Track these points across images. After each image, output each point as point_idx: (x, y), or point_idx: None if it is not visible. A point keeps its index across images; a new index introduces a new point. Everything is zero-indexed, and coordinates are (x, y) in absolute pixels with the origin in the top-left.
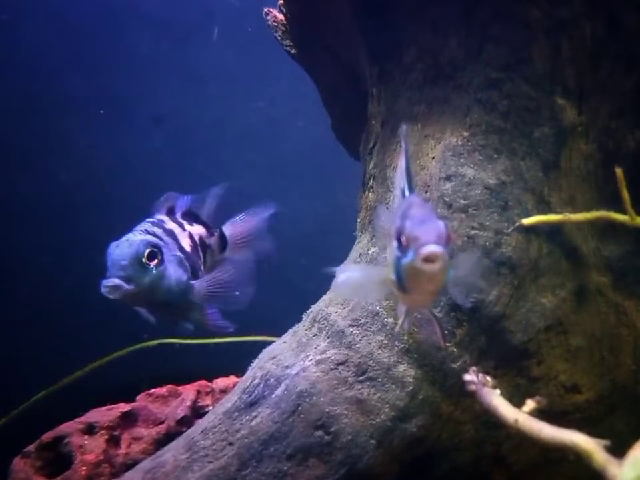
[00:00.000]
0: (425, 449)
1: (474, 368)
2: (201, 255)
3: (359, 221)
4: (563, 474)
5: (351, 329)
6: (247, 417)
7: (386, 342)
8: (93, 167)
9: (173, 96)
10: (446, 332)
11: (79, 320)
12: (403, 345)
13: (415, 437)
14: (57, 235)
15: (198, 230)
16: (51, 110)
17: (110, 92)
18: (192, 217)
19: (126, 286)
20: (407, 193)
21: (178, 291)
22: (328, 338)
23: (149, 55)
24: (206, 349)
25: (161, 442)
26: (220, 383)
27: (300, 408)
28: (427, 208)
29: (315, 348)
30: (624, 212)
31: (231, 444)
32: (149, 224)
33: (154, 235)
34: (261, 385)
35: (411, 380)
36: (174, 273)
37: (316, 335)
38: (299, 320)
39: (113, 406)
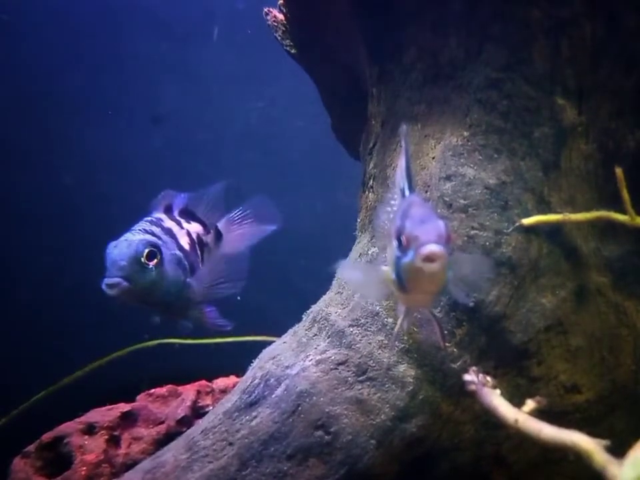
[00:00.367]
0: (424, 449)
1: (474, 368)
2: (199, 253)
3: (359, 220)
4: (562, 474)
5: (351, 329)
6: (247, 417)
7: (386, 342)
8: (92, 166)
9: (173, 96)
10: (446, 332)
11: (79, 320)
12: (403, 345)
13: (415, 437)
14: (57, 234)
15: (195, 228)
16: (51, 110)
17: (110, 92)
18: (189, 214)
19: (126, 286)
20: (407, 192)
21: (177, 290)
22: (328, 338)
23: (149, 55)
24: (206, 349)
25: (161, 442)
26: (220, 382)
27: (300, 408)
28: (427, 207)
29: (315, 348)
30: (624, 212)
31: (231, 444)
32: (147, 223)
33: (152, 234)
34: (261, 385)
35: (411, 380)
36: (173, 272)
37: (316, 334)
38: (299, 320)
39: (112, 406)
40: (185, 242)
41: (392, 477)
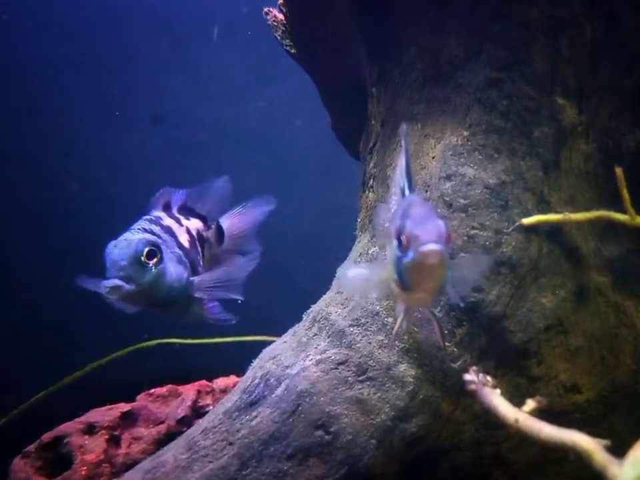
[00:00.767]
0: (425, 449)
1: (474, 368)
2: (199, 249)
3: (359, 220)
4: (563, 474)
5: (351, 329)
6: (247, 417)
7: (386, 342)
8: (92, 166)
9: (173, 96)
10: (446, 332)
11: (79, 320)
12: (403, 345)
13: (415, 436)
14: (57, 234)
15: (195, 224)
16: (51, 110)
17: (110, 92)
18: (188, 211)
19: (126, 286)
20: (407, 192)
21: (178, 289)
22: (328, 338)
23: (149, 55)
24: (206, 349)
25: (161, 442)
26: (220, 382)
27: (300, 408)
28: (427, 207)
29: (315, 348)
30: (624, 212)
31: (231, 444)
32: (146, 221)
33: (152, 232)
34: (261, 385)
35: (411, 380)
36: (174, 270)
37: (316, 334)
38: (299, 320)
39: (112, 406)
40: (184, 239)
41: (392, 476)
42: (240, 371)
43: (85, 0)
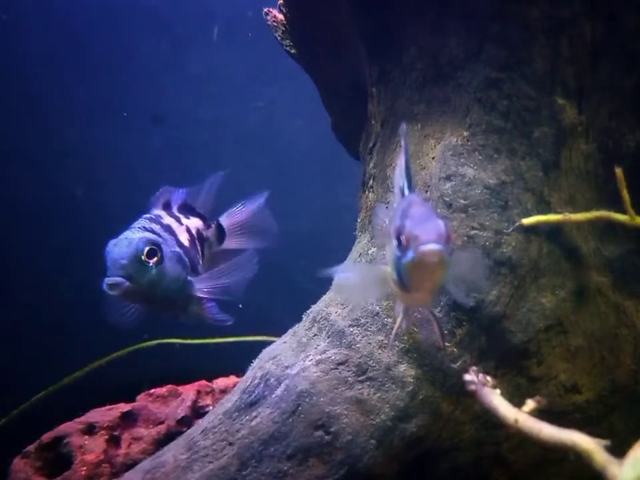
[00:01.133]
0: (425, 449)
1: (474, 368)
2: (199, 248)
3: (358, 220)
4: (562, 474)
5: (351, 329)
6: (247, 417)
7: (386, 342)
8: (92, 166)
9: (173, 96)
10: (446, 332)
11: (79, 320)
12: (403, 345)
13: (415, 436)
14: (57, 234)
15: (195, 223)
16: (51, 110)
17: (110, 92)
18: (188, 209)
19: (127, 284)
20: (406, 192)
21: (178, 288)
22: (328, 338)
23: (149, 55)
24: (206, 349)
25: (161, 442)
26: (220, 382)
27: (300, 408)
28: (426, 207)
29: (315, 348)
30: (624, 212)
31: (231, 444)
32: (147, 220)
33: (152, 231)
34: (261, 385)
35: (411, 380)
36: (173, 269)
37: (316, 334)
38: (299, 320)
39: (112, 406)
40: (184, 238)
41: (392, 476)
42: (240, 371)
43: (85, 0)
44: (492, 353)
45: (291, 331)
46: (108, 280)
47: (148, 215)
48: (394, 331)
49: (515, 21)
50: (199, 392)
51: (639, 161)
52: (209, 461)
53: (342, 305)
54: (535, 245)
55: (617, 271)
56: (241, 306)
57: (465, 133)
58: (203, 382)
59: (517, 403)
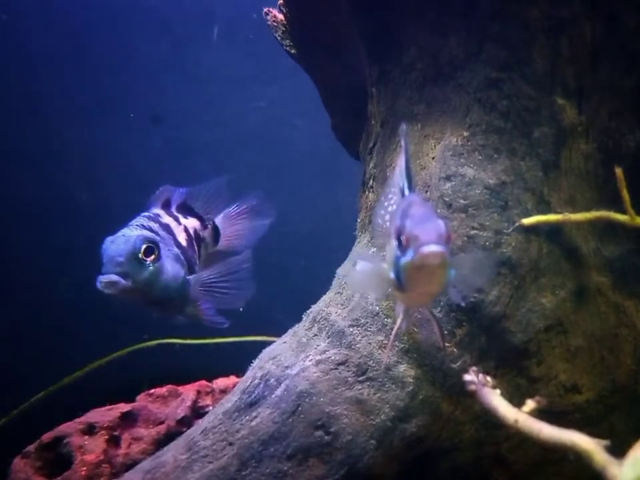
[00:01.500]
0: (425, 449)
1: (474, 368)
2: (196, 248)
3: (358, 220)
4: (562, 474)
5: (351, 329)
6: (247, 417)
7: (386, 342)
8: (92, 166)
9: (173, 96)
10: (446, 332)
11: (79, 320)
12: (403, 345)
13: (415, 436)
14: (57, 234)
15: (192, 223)
16: (51, 110)
17: (110, 92)
18: (187, 209)
19: (122, 282)
20: (406, 192)
21: (174, 287)
22: (328, 338)
23: (149, 55)
24: (206, 349)
25: (161, 442)
26: (220, 382)
27: (300, 408)
28: (426, 207)
29: (315, 348)
30: (624, 212)
31: (231, 444)
32: (145, 218)
33: (150, 229)
34: (261, 385)
35: (411, 380)
36: (171, 268)
37: (316, 335)
38: (299, 320)
39: (112, 406)
40: (182, 238)
41: (392, 476)
42: (240, 372)
43: (85, 0)
44: (492, 353)
45: (291, 331)
46: (103, 277)
47: (146, 213)
48: (394, 332)
49: (515, 21)
50: (198, 392)
51: (638, 161)
52: (209, 461)
53: (342, 305)
54: (535, 245)
55: (616, 270)
56: (242, 309)
57: (465, 133)
58: (203, 382)
59: (517, 403)
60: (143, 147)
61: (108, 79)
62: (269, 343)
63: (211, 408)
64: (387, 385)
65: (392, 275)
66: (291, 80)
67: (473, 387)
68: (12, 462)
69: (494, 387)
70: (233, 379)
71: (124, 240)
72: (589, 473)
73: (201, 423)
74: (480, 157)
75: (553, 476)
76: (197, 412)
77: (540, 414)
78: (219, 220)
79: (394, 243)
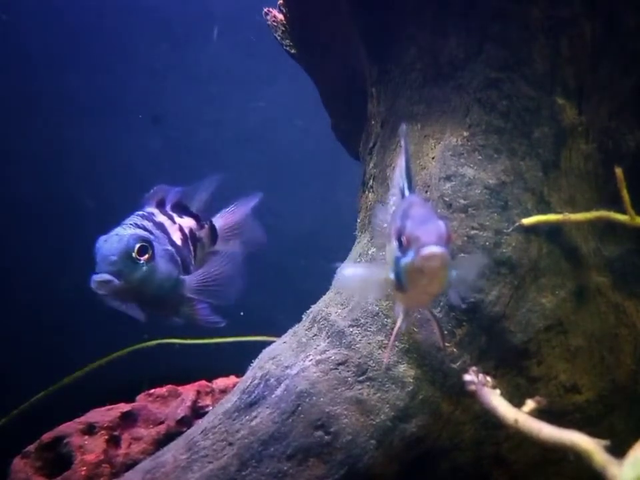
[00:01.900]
0: (425, 449)
1: (474, 368)
2: (192, 248)
3: (358, 220)
4: (563, 474)
5: (351, 329)
6: (247, 417)
7: (386, 342)
8: (92, 166)
9: (173, 96)
10: (446, 332)
11: (79, 320)
12: (403, 345)
13: (415, 436)
14: (57, 234)
15: (188, 222)
16: (51, 110)
17: (110, 92)
18: (182, 209)
19: (116, 281)
20: (406, 192)
21: (169, 287)
22: (328, 338)
23: (149, 55)
24: (206, 349)
25: (161, 442)
26: (220, 382)
27: (300, 408)
28: (427, 207)
29: (315, 348)
30: (624, 212)
31: (230, 444)
32: (139, 217)
33: (144, 228)
34: (261, 385)
35: (411, 380)
36: (165, 268)
37: (316, 335)
38: (299, 320)
39: (112, 406)
40: (177, 237)
41: (392, 476)
42: (240, 372)
43: (85, 0)
44: (492, 353)
45: (290, 331)
46: (96, 277)
47: (140, 212)
48: (394, 332)
49: (515, 21)
50: (198, 392)
51: (639, 161)
52: (209, 461)
53: (342, 305)
54: (534, 245)
55: (617, 270)
56: (242, 313)
57: (465, 133)
58: (203, 382)
59: (517, 403)
60: (143, 147)
61: (108, 79)
62: (269, 343)
63: (210, 408)
64: (386, 385)
65: (392, 276)
66: (291, 80)
67: (472, 387)
68: (12, 462)
69: (494, 387)
70: (232, 378)
71: (117, 239)
72: (589, 472)
73: (201, 423)
74: (480, 157)
75: (552, 476)
76: (197, 412)
77: (540, 414)
78: (216, 219)
79: (394, 243)
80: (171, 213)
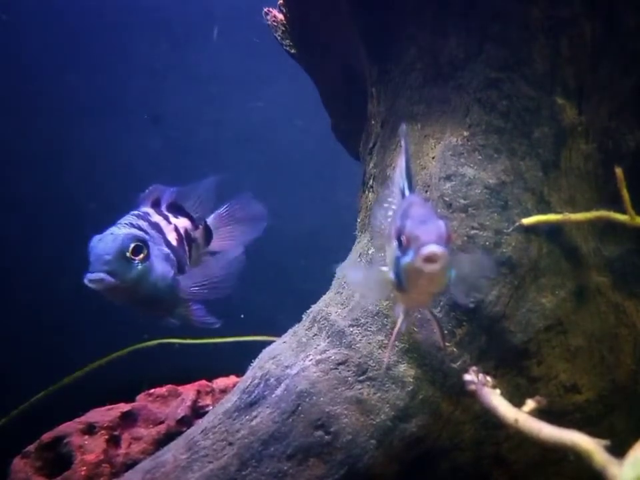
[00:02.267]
0: (425, 449)
1: (474, 368)
2: (187, 248)
3: (358, 220)
4: (563, 474)
5: (351, 329)
6: (247, 417)
7: (386, 342)
8: (92, 166)
9: (172, 96)
10: (446, 332)
11: (79, 320)
12: (403, 345)
13: (415, 436)
14: (57, 235)
15: (183, 223)
16: (51, 110)
17: (110, 92)
18: (177, 209)
19: (110, 280)
20: (406, 192)
21: (164, 287)
22: (328, 338)
23: (149, 55)
24: (206, 349)
25: (161, 442)
26: (220, 382)
27: (300, 408)
28: (427, 207)
29: (315, 348)
30: (624, 212)
31: (230, 444)
32: (134, 217)
33: (139, 228)
34: (261, 385)
35: (411, 380)
36: (160, 268)
37: (316, 334)
38: (299, 320)
39: (112, 406)
40: (172, 237)
41: (392, 476)
42: (240, 371)
43: (85, 0)
44: (492, 352)
45: (290, 331)
46: (90, 276)
47: (136, 212)
48: (394, 332)
49: (515, 21)
50: (198, 392)
51: (639, 161)
52: (209, 460)
53: (342, 304)
54: (534, 245)
55: (616, 270)
56: (242, 316)
57: (465, 133)
58: (203, 382)
59: (517, 403)
60: (143, 147)
61: (108, 79)
62: (269, 343)
63: (210, 408)
64: (386, 385)
65: (392, 276)
66: (291, 80)
67: (472, 387)
68: (12, 462)
69: (494, 387)
70: (232, 378)
71: (112, 238)
72: (589, 472)
73: (201, 423)
74: (480, 157)
75: (552, 476)
76: (197, 412)
77: (540, 414)
78: (210, 220)
79: (394, 243)
80: (166, 213)
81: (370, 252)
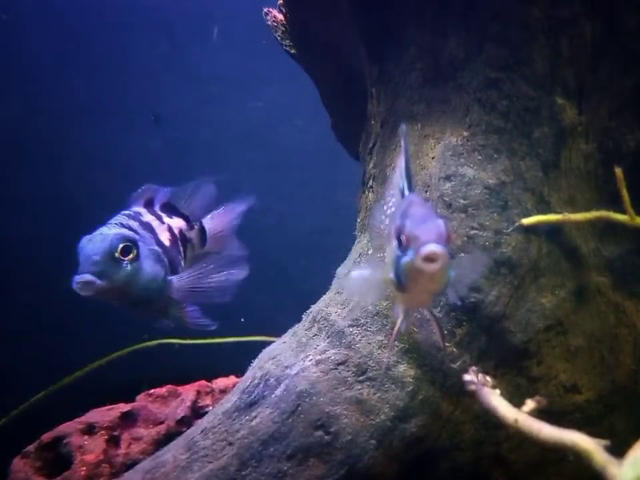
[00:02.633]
0: (425, 449)
1: (474, 368)
2: (181, 249)
3: (358, 220)
4: (562, 474)
5: (351, 329)
6: (247, 417)
7: (386, 342)
8: (92, 166)
9: (172, 96)
10: (446, 332)
11: (79, 320)
12: (402, 345)
13: (414, 436)
14: (57, 235)
15: (178, 223)
16: (51, 110)
17: (110, 92)
18: (171, 209)
19: (98, 282)
20: (406, 192)
21: (155, 288)
22: (328, 338)
23: (149, 55)
24: (206, 349)
25: (161, 442)
26: (220, 382)
27: (300, 408)
28: (426, 207)
29: (315, 348)
30: (624, 212)
31: (230, 444)
32: (125, 216)
33: (129, 228)
34: (261, 385)
35: (411, 380)
36: (150, 268)
37: (316, 335)
38: (299, 320)
39: (112, 406)
40: (165, 237)
41: (392, 476)
42: (240, 371)
43: (85, 0)
44: (492, 352)
45: (290, 331)
46: (78, 278)
47: (127, 212)
48: (394, 332)
49: (515, 21)
50: (198, 392)
51: (639, 161)
52: (209, 460)
53: (342, 304)
54: (534, 245)
55: (616, 270)
56: (243, 320)
57: (465, 133)
58: (203, 382)
59: (517, 403)
60: (143, 147)
61: (108, 79)
62: (269, 343)
63: (210, 408)
64: (386, 385)
65: (392, 275)
66: (291, 80)
67: (472, 387)
68: (12, 462)
69: (494, 387)
70: (232, 378)
71: (101, 238)
72: (589, 472)
73: (201, 423)
74: (480, 157)
75: (552, 476)
76: (197, 412)
77: (540, 414)
78: (206, 221)
79: (394, 243)
80: (159, 212)
81: (370, 252)
